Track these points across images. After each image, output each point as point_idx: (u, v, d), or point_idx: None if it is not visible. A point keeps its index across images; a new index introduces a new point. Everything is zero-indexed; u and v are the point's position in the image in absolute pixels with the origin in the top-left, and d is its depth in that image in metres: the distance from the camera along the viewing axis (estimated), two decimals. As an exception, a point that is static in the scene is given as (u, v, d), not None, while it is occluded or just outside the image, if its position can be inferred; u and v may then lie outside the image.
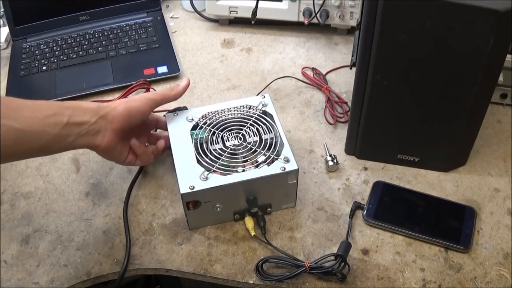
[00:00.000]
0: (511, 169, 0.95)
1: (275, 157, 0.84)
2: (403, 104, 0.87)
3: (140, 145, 0.88)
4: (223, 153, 0.86)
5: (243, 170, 0.83)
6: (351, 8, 1.20)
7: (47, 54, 1.22)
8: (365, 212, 0.87)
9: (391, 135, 0.92)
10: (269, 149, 0.86)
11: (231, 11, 1.28)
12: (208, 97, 1.12)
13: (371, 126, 0.92)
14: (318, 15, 1.20)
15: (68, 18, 1.28)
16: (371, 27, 0.79)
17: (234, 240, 0.86)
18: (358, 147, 0.96)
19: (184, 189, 0.80)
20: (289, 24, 1.28)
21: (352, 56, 1.17)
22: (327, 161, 0.95)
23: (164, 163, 0.98)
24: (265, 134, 0.88)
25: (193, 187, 0.80)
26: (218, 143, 0.88)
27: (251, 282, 0.80)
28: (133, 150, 0.88)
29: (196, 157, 0.84)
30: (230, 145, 0.87)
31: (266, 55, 1.23)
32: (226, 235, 0.86)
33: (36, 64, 1.21)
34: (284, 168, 0.82)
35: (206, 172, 0.82)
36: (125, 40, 1.25)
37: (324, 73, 1.16)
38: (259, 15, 1.21)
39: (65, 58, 1.21)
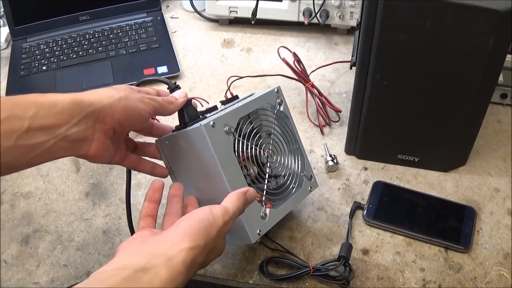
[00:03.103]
0: (511, 169, 0.95)
1: (301, 174, 0.82)
2: (403, 104, 0.87)
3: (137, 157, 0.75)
4: (263, 175, 0.77)
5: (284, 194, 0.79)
6: (351, 8, 1.20)
7: (47, 54, 1.23)
8: (365, 212, 0.87)
9: (391, 135, 0.92)
10: (295, 162, 0.82)
11: (231, 11, 1.28)
12: (208, 97, 1.12)
13: (371, 126, 0.92)
14: (318, 15, 1.21)
15: (68, 18, 1.29)
16: (371, 27, 0.79)
17: (234, 240, 0.86)
18: (358, 147, 0.96)
19: (254, 237, 0.71)
20: (289, 24, 1.28)
21: (352, 56, 1.17)
22: (327, 161, 0.95)
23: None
24: (288, 144, 0.82)
25: (260, 232, 0.72)
26: (257, 164, 0.77)
27: (251, 282, 0.80)
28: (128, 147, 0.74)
29: (255, 183, 0.74)
30: (268, 166, 0.78)
31: (266, 55, 1.23)
32: (226, 235, 0.86)
33: (36, 64, 1.21)
34: (311, 188, 0.83)
35: (263, 208, 0.74)
36: (125, 40, 1.25)
37: (317, 67, 1.15)
38: (259, 15, 1.21)
39: (65, 58, 1.21)
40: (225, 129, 0.70)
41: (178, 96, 0.72)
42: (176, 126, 0.76)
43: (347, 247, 0.81)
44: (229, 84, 1.02)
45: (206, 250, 0.57)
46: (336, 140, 1.01)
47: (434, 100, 0.85)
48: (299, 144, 0.83)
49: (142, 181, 0.95)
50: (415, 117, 0.88)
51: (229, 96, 0.86)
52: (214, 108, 0.78)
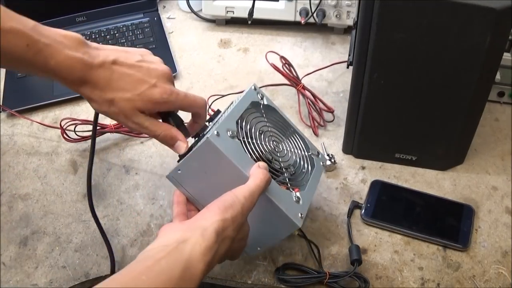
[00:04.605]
0: (510, 167, 0.95)
1: (308, 154, 0.84)
2: (400, 103, 0.87)
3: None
4: (278, 168, 0.76)
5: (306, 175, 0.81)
6: (347, 8, 1.20)
7: (44, 56, 1.22)
8: (363, 211, 0.87)
9: (389, 134, 0.92)
10: (298, 145, 0.84)
11: (227, 11, 1.28)
12: (206, 97, 1.11)
13: (369, 125, 0.92)
14: (314, 14, 1.21)
15: (65, 19, 1.28)
16: (367, 26, 0.79)
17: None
18: (355, 146, 0.96)
19: (298, 221, 0.72)
20: (286, 24, 1.28)
21: (349, 55, 1.17)
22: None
23: (162, 164, 0.98)
24: (285, 132, 0.84)
25: (302, 215, 0.73)
26: (266, 161, 0.75)
27: (249, 282, 0.80)
28: None
29: (274, 178, 0.73)
30: (278, 159, 0.78)
31: (263, 55, 1.22)
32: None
33: (33, 66, 1.20)
34: (323, 163, 0.85)
35: (293, 193, 0.74)
36: (122, 41, 1.24)
37: (315, 69, 1.15)
38: (255, 15, 1.22)
39: (62, 59, 1.21)
40: (228, 134, 0.70)
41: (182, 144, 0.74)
42: (180, 156, 0.75)
43: (356, 249, 0.81)
44: (209, 104, 1.03)
45: (234, 223, 0.63)
46: (334, 139, 1.01)
47: (431, 99, 0.85)
48: (294, 128, 0.85)
49: (139, 182, 0.95)
50: (413, 116, 0.88)
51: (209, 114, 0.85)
52: (205, 128, 0.78)
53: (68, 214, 0.91)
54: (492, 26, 0.73)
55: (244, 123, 0.75)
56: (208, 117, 0.80)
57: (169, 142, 0.73)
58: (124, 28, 1.28)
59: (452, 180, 0.93)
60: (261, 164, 0.70)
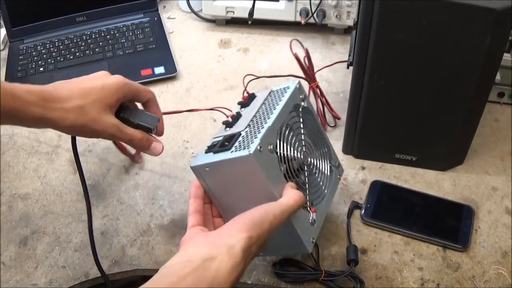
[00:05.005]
0: (510, 168, 0.95)
1: (330, 164, 0.82)
2: (400, 103, 0.87)
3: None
4: (303, 180, 0.75)
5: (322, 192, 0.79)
6: (348, 8, 1.20)
7: (44, 55, 1.22)
8: (363, 211, 0.87)
9: (389, 134, 0.92)
10: (324, 157, 0.81)
11: (228, 11, 1.28)
12: (205, 97, 1.12)
13: (369, 126, 0.92)
14: (315, 15, 1.21)
15: (65, 19, 1.28)
16: (367, 26, 0.79)
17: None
18: (355, 146, 0.96)
19: (310, 246, 0.71)
20: (286, 24, 1.28)
21: (349, 55, 1.17)
22: (324, 161, 0.95)
23: (161, 164, 0.98)
24: (316, 139, 0.80)
25: (313, 239, 0.72)
26: (297, 170, 0.74)
27: (249, 282, 0.80)
28: None
29: None
30: (305, 173, 0.75)
31: (263, 55, 1.23)
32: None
33: (33, 65, 1.20)
34: (339, 176, 0.84)
35: (310, 215, 0.73)
36: (122, 40, 1.25)
37: (318, 69, 1.14)
38: (256, 15, 1.22)
39: (62, 59, 1.21)
40: (269, 147, 0.68)
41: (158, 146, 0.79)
42: (209, 147, 0.72)
43: (354, 249, 0.81)
44: (245, 84, 1.01)
45: (259, 241, 0.62)
46: (334, 139, 1.01)
47: (431, 99, 0.85)
48: (324, 136, 0.83)
49: (139, 182, 0.95)
50: (413, 116, 0.88)
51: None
52: (238, 116, 0.76)
53: (68, 214, 0.91)
54: (492, 26, 0.73)
55: (283, 131, 0.72)
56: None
57: (146, 144, 0.76)
58: (124, 28, 1.28)
59: (452, 181, 0.93)
60: (292, 184, 0.69)
